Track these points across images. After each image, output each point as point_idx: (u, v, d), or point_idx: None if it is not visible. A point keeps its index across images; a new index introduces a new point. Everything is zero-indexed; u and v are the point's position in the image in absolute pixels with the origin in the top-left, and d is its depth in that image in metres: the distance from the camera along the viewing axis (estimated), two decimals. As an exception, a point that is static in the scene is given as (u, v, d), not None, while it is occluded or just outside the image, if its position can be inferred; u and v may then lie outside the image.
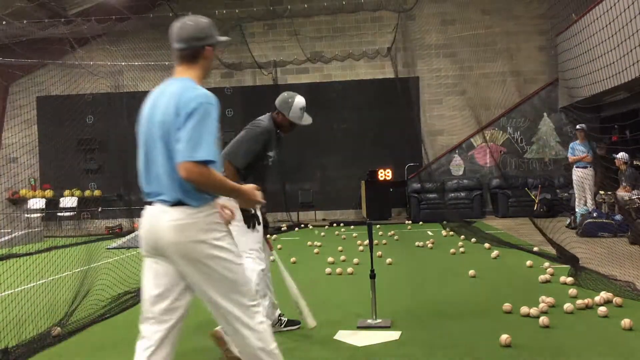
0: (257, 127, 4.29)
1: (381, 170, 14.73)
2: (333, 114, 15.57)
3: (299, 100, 4.46)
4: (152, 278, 2.64)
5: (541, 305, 4.92)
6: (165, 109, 2.60)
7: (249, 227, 4.09)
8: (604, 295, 5.16)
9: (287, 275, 4.36)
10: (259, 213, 4.26)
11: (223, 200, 2.81)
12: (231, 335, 2.73)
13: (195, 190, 2.55)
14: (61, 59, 14.59)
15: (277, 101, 4.49)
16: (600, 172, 10.77)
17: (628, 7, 7.54)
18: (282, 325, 4.61)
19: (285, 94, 4.51)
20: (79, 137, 15.67)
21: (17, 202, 16.28)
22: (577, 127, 11.19)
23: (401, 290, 6.17)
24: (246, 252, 4.14)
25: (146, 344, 2.60)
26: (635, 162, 11.28)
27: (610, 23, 7.95)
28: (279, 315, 4.67)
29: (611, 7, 8.12)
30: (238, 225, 4.04)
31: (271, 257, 4.70)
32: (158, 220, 2.58)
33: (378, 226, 12.41)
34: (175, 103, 2.57)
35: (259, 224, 4.26)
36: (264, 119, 4.36)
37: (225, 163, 4.15)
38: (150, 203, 2.64)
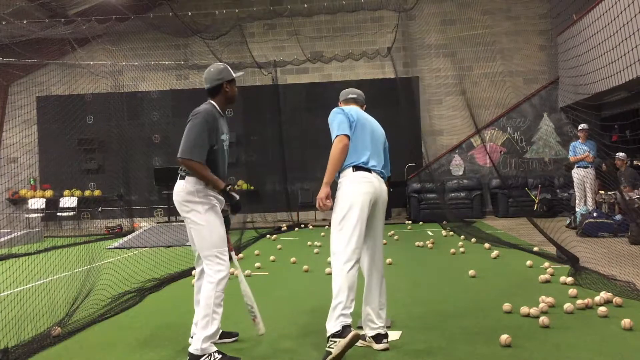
0: (200, 115, 4.03)
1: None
2: (333, 114, 15.55)
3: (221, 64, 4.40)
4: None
5: (541, 305, 4.92)
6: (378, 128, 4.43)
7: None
8: (604, 295, 5.16)
9: (242, 279, 4.30)
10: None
11: None
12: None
13: None
14: (61, 59, 14.59)
15: (214, 74, 4.21)
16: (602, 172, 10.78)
17: (628, 6, 7.53)
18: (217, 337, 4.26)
19: (211, 69, 4.26)
20: (79, 137, 15.69)
21: (17, 202, 16.28)
22: (580, 127, 11.19)
23: (401, 290, 6.16)
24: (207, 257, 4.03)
25: None
26: (635, 162, 11.29)
27: (610, 23, 7.95)
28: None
29: (611, 7, 8.12)
30: (201, 223, 4.02)
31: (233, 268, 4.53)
32: (381, 183, 4.18)
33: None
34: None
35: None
36: (203, 106, 4.14)
37: (187, 163, 4.00)
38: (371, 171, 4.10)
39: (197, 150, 3.99)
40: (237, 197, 4.20)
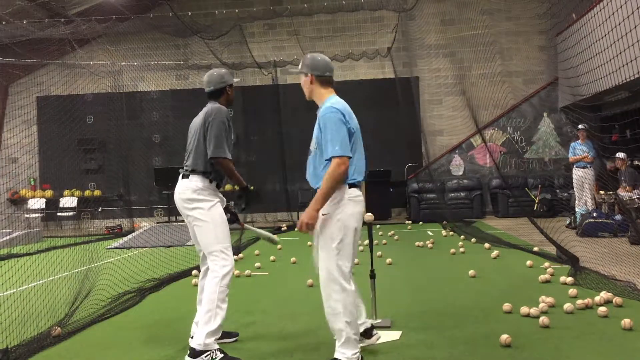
0: (220, 114, 4.16)
1: None
2: (333, 114, 15.56)
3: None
4: None
5: (541, 305, 4.93)
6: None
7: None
8: (604, 295, 5.16)
9: (252, 228, 4.71)
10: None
11: None
12: None
13: None
14: (61, 59, 14.59)
15: (218, 78, 4.30)
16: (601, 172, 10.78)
17: (625, 3, 7.52)
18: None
19: (214, 72, 4.35)
20: (79, 137, 15.69)
21: (17, 202, 16.28)
22: (579, 127, 11.20)
23: (401, 290, 6.17)
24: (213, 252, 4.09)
25: None
26: (635, 162, 11.29)
27: (607, 19, 7.94)
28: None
29: (608, 3, 8.11)
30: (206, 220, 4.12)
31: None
32: None
33: (378, 226, 12.42)
34: None
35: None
36: (215, 106, 4.22)
37: (223, 162, 4.14)
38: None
39: (228, 148, 4.17)
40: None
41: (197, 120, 4.26)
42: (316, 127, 3.71)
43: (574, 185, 11.12)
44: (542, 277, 6.26)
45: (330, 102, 3.72)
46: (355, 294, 3.80)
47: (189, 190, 4.10)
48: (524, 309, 4.83)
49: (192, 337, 4.14)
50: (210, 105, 4.26)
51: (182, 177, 4.18)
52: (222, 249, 4.06)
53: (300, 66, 3.89)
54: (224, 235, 4.12)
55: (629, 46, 7.50)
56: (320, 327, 4.67)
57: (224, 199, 4.29)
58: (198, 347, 3.85)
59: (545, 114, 15.43)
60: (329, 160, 3.55)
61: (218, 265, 4.02)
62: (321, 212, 3.58)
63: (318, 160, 3.74)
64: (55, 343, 4.51)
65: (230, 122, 4.24)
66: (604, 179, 10.60)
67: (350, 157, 3.60)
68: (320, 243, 3.64)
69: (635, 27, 7.22)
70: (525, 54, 15.37)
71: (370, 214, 4.81)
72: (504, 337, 4.06)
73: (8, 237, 11.73)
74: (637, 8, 7.15)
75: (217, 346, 3.91)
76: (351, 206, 3.64)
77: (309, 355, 4.09)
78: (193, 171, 4.13)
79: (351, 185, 3.68)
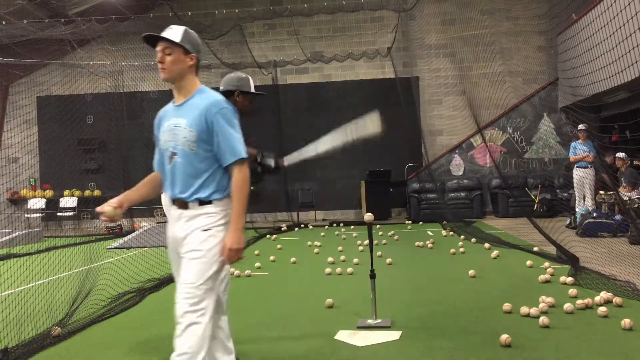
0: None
1: None
2: (333, 114, 15.56)
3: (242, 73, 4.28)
4: None
5: (541, 305, 4.92)
6: None
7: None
8: (604, 295, 5.16)
9: None
10: None
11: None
12: None
13: None
14: (61, 59, 14.59)
15: (232, 80, 4.09)
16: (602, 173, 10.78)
17: (629, 4, 7.52)
18: None
19: (232, 74, 4.18)
20: (79, 137, 15.69)
21: (17, 202, 16.28)
22: (579, 127, 11.20)
23: (401, 290, 6.17)
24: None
25: None
26: (635, 162, 11.29)
27: (610, 22, 7.95)
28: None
29: (611, 5, 8.11)
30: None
31: None
32: None
33: (378, 226, 12.41)
34: None
35: None
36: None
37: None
38: None
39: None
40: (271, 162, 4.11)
41: None
42: (194, 120, 2.88)
43: (575, 185, 11.11)
44: (542, 277, 6.26)
45: (216, 96, 2.96)
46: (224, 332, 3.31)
47: None
48: (524, 309, 4.83)
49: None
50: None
51: None
52: None
53: (179, 37, 2.93)
54: None
55: (631, 48, 7.50)
56: (321, 328, 4.68)
57: None
58: None
59: (545, 114, 15.43)
60: (233, 164, 2.86)
61: None
62: (202, 227, 2.85)
63: (197, 163, 2.88)
64: (55, 343, 4.51)
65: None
66: (606, 178, 10.60)
67: None
68: (190, 268, 2.83)
69: (637, 30, 7.22)
70: (525, 53, 15.36)
71: (370, 214, 4.81)
72: (504, 337, 4.06)
73: (8, 237, 11.73)
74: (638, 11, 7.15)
75: None
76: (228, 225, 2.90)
77: (309, 354, 4.09)
78: None
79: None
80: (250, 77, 4.25)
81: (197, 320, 2.77)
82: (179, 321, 2.79)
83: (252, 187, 4.07)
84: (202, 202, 2.86)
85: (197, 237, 2.84)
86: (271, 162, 4.22)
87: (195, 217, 2.85)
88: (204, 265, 2.81)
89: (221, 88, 4.21)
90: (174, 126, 2.92)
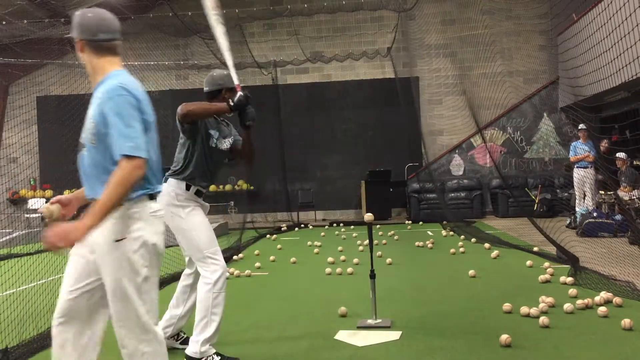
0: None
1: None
2: (333, 114, 15.59)
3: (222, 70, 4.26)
4: None
5: (541, 305, 4.92)
6: None
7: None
8: (604, 295, 5.16)
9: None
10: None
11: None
12: None
13: None
14: (61, 59, 14.58)
15: (215, 79, 4.16)
16: (603, 172, 10.78)
17: (626, 2, 7.52)
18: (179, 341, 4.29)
19: (214, 72, 4.21)
20: (79, 137, 15.66)
21: (17, 202, 16.28)
22: (580, 127, 11.21)
23: (401, 290, 6.17)
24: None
25: None
26: (635, 162, 11.29)
27: (608, 20, 7.94)
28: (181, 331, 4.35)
29: (610, 4, 8.11)
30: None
31: None
32: None
33: (378, 226, 12.41)
34: None
35: None
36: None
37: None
38: None
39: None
40: (241, 95, 3.99)
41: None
42: (94, 110, 2.67)
43: (575, 184, 11.11)
44: (542, 277, 6.26)
45: (118, 80, 2.60)
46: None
47: (166, 196, 3.89)
48: (524, 309, 4.83)
49: (166, 338, 3.95)
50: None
51: (163, 181, 3.98)
52: (209, 255, 3.89)
53: (72, 29, 2.74)
54: (209, 240, 3.92)
55: (630, 46, 7.50)
56: (321, 327, 4.68)
57: (206, 204, 4.09)
58: (194, 356, 3.80)
59: (545, 114, 15.43)
60: (120, 160, 2.52)
61: (208, 271, 3.86)
62: (113, 236, 2.61)
63: (100, 158, 2.71)
64: (55, 343, 4.51)
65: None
66: (605, 178, 10.60)
67: (147, 159, 2.56)
68: (112, 284, 2.66)
69: (636, 26, 7.21)
70: (525, 52, 15.36)
71: (370, 214, 4.81)
72: (504, 337, 4.06)
73: (8, 237, 11.73)
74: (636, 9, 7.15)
75: (213, 350, 3.86)
76: (156, 225, 2.71)
77: (309, 354, 4.09)
78: (170, 175, 4.02)
79: (152, 197, 2.72)
80: (222, 70, 4.21)
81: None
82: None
83: (226, 161, 4.07)
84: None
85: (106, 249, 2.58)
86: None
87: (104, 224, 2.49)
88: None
89: (206, 89, 4.20)
90: (87, 118, 2.70)
